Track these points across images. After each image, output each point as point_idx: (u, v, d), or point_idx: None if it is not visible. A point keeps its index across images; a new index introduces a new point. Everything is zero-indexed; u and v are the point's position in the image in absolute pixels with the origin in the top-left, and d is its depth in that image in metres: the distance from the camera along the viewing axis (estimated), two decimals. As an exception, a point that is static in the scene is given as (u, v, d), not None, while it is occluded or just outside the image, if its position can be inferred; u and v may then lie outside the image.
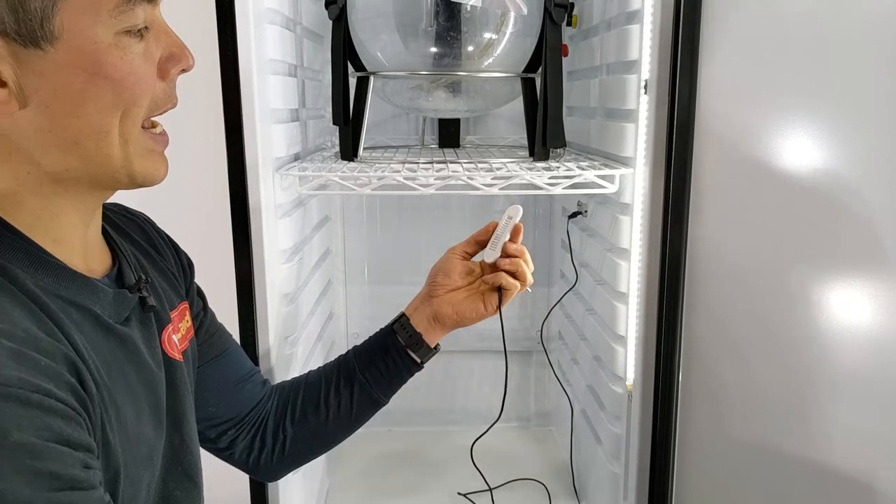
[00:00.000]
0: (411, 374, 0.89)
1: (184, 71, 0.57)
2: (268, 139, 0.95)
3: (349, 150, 1.12)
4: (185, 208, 0.92)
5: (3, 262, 0.49)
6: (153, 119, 0.57)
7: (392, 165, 1.03)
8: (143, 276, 0.63)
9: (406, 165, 1.03)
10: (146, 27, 0.53)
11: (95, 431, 0.49)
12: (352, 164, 1.08)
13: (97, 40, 0.50)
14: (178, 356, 0.67)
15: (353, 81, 1.15)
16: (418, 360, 0.89)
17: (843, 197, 0.87)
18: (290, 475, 0.91)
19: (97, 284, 0.56)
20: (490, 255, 0.91)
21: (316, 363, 1.31)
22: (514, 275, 0.89)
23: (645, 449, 1.01)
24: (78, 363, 0.49)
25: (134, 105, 0.53)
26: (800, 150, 0.87)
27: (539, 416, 1.65)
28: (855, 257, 0.88)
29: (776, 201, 0.90)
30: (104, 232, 0.63)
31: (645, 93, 0.96)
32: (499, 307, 0.89)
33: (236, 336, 0.94)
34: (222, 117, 0.87)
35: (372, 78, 1.13)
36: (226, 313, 0.93)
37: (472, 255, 0.94)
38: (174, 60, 0.55)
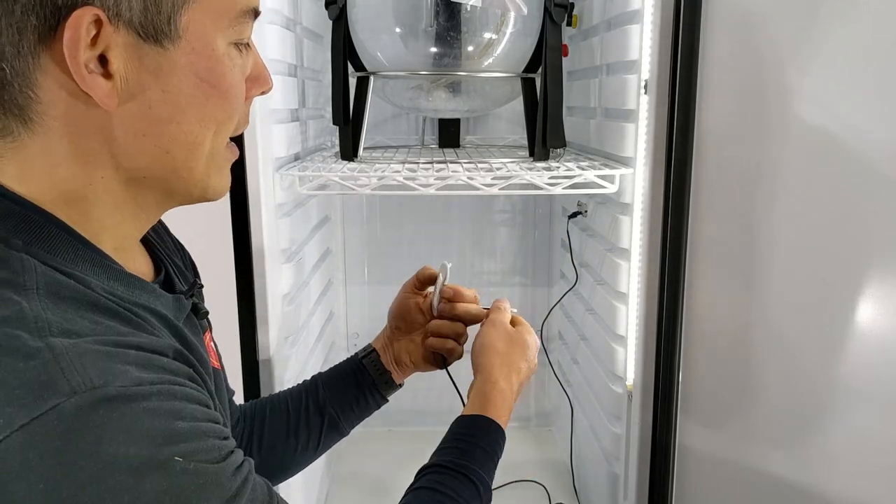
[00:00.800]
0: (377, 408, 0.88)
1: (263, 93, 0.56)
2: (268, 139, 0.95)
3: (349, 150, 1.12)
4: (185, 208, 0.92)
5: (77, 272, 0.46)
6: None
7: (392, 165, 1.03)
8: (197, 281, 0.61)
9: (406, 165, 1.03)
10: (247, 44, 0.52)
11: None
12: (352, 164, 1.08)
13: (215, 47, 0.48)
14: (217, 364, 0.65)
15: (353, 81, 1.15)
16: (386, 397, 0.88)
17: (844, 197, 0.87)
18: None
19: (158, 290, 0.54)
20: (434, 307, 0.89)
21: (316, 363, 1.31)
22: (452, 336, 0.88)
23: (645, 449, 1.01)
24: (187, 355, 0.48)
25: (229, 120, 0.52)
26: (800, 149, 0.87)
27: (539, 416, 1.65)
28: (855, 257, 0.88)
29: (776, 201, 0.90)
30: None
31: (645, 93, 0.96)
32: (444, 367, 0.89)
33: (236, 336, 0.94)
34: (222, 117, 0.87)
35: (372, 78, 1.14)
36: (226, 313, 0.93)
37: (422, 290, 0.92)
38: (259, 82, 0.54)
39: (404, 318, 0.89)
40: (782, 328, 0.92)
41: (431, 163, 1.07)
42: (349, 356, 0.90)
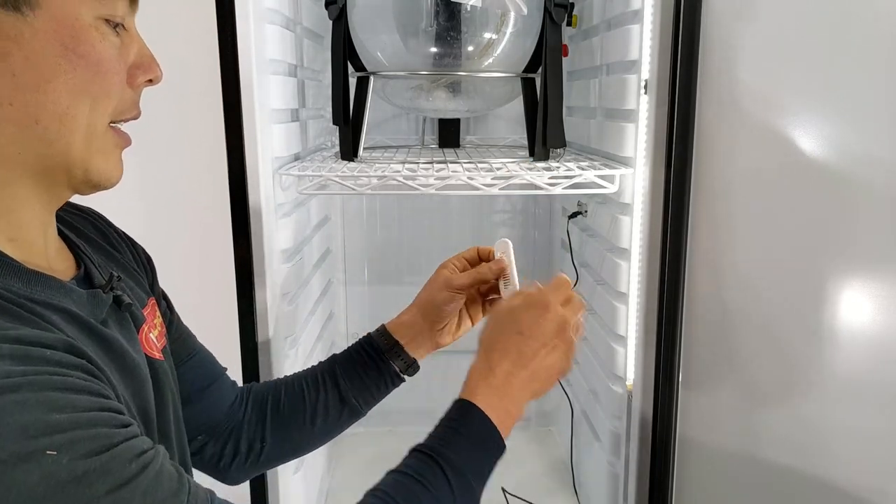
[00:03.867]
0: (395, 387, 0.87)
1: (150, 83, 0.55)
2: (268, 139, 0.95)
3: (349, 150, 1.12)
4: (186, 208, 0.92)
5: None
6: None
7: (392, 165, 1.03)
8: (115, 274, 0.59)
9: (406, 165, 1.03)
10: (122, 26, 0.52)
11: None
12: (352, 164, 1.08)
13: (78, 17, 0.48)
14: (158, 355, 0.64)
15: (353, 81, 1.15)
16: (406, 379, 0.87)
17: (844, 197, 0.87)
18: (290, 475, 0.91)
19: (67, 286, 0.53)
20: (511, 292, 0.85)
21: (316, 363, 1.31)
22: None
23: (645, 448, 1.01)
24: (83, 351, 0.47)
25: (105, 97, 0.51)
26: (800, 149, 0.87)
27: (539, 416, 1.65)
28: (855, 257, 0.88)
29: (776, 201, 0.90)
30: (59, 233, 0.59)
31: (645, 93, 0.96)
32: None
33: (236, 336, 0.94)
34: (222, 117, 0.87)
35: (372, 78, 1.13)
36: (226, 313, 0.93)
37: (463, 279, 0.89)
38: (143, 69, 0.54)
39: (451, 315, 0.87)
40: (782, 328, 0.92)
41: (431, 163, 1.07)
42: (362, 343, 0.88)
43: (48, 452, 0.39)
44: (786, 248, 0.90)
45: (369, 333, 0.88)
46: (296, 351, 1.10)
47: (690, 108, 0.88)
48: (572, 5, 1.23)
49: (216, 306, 0.82)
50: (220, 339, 0.85)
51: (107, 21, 0.50)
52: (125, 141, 0.55)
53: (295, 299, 1.10)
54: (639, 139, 0.98)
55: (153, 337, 0.64)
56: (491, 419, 0.70)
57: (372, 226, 1.55)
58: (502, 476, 1.38)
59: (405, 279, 1.55)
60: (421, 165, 1.04)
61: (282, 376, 0.88)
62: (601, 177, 1.01)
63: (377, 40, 1.12)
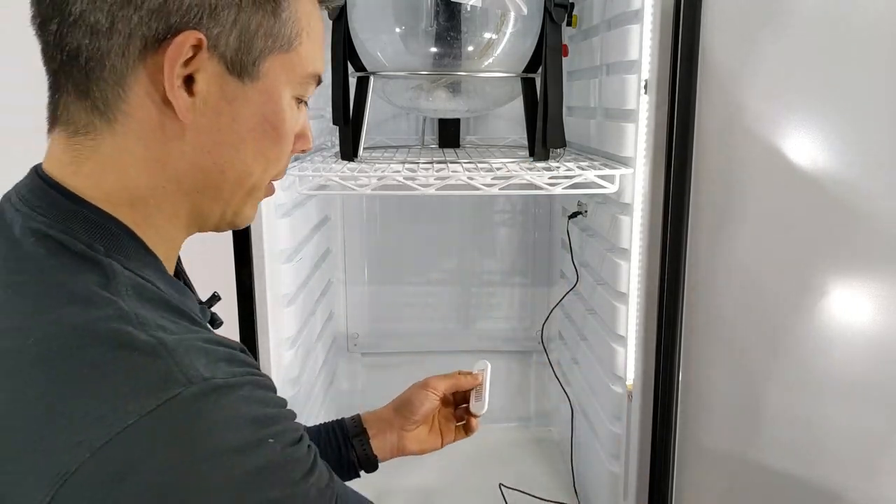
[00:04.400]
0: (348, 479, 0.91)
1: (303, 151, 0.62)
2: (268, 139, 0.94)
3: (349, 150, 1.12)
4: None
5: (149, 279, 0.50)
6: None
7: (392, 165, 1.03)
8: (216, 293, 0.66)
9: (406, 165, 1.03)
10: (305, 102, 0.59)
11: None
12: (352, 164, 1.08)
13: (282, 95, 0.55)
14: None
15: (353, 81, 1.15)
16: (359, 474, 0.91)
17: (844, 197, 0.87)
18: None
19: (194, 297, 0.59)
20: (479, 407, 0.95)
21: (315, 363, 1.31)
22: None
23: (645, 449, 1.01)
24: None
25: (277, 161, 0.58)
26: (801, 149, 0.87)
27: (539, 416, 1.65)
28: (855, 257, 0.88)
29: (776, 201, 0.90)
30: None
31: (645, 93, 0.96)
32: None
33: (236, 336, 0.94)
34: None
35: (372, 78, 1.13)
36: (226, 314, 0.92)
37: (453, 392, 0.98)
38: (303, 140, 0.61)
39: (426, 415, 0.94)
40: (782, 328, 0.92)
41: (431, 163, 1.07)
42: (334, 423, 0.93)
43: (269, 441, 0.45)
44: (786, 248, 0.90)
45: (343, 417, 0.94)
46: (296, 351, 1.10)
47: (690, 108, 0.88)
48: (572, 5, 1.23)
49: (216, 306, 0.82)
50: (220, 339, 0.85)
51: (297, 100, 0.57)
52: (272, 193, 0.62)
53: (295, 299, 1.10)
54: (639, 139, 0.98)
55: None
56: None
57: (372, 226, 1.55)
58: (502, 476, 1.38)
59: (405, 279, 1.55)
60: (421, 165, 1.04)
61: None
62: (601, 177, 1.01)
63: (377, 40, 1.12)
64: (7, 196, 0.53)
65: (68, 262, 0.47)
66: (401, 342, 1.57)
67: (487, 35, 1.10)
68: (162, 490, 0.40)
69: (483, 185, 0.99)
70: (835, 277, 0.89)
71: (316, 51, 0.57)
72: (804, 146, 0.87)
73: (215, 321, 0.63)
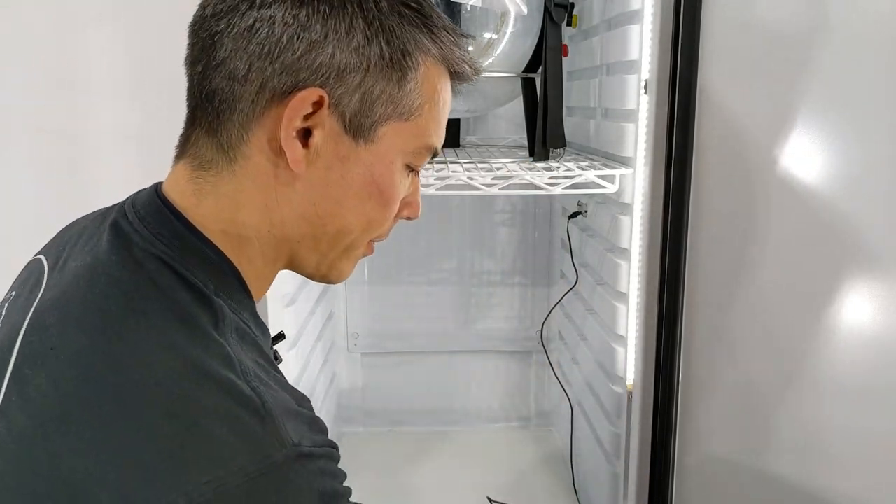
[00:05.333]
0: None
1: (408, 219, 0.63)
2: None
3: (349, 150, 1.12)
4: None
5: (246, 321, 0.52)
6: None
7: (392, 165, 1.03)
8: (282, 333, 0.66)
9: (406, 165, 1.03)
10: (416, 172, 0.60)
11: None
12: (352, 164, 1.08)
13: (394, 161, 0.56)
14: None
15: (353, 81, 1.15)
16: None
17: (843, 197, 0.87)
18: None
19: (273, 348, 0.60)
20: None
21: (316, 363, 1.31)
22: None
23: (645, 449, 1.01)
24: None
25: (379, 224, 0.58)
26: (800, 149, 0.87)
27: (539, 416, 1.65)
28: (855, 257, 0.88)
29: (776, 201, 0.90)
30: None
31: (645, 93, 0.96)
32: None
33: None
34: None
35: (372, 78, 1.13)
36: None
37: None
38: (411, 207, 0.62)
39: None
40: (782, 328, 0.92)
41: (431, 163, 1.07)
42: None
43: None
44: (786, 248, 0.90)
45: None
46: (296, 351, 1.10)
47: (690, 108, 0.88)
48: (572, 5, 1.23)
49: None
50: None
51: (408, 167, 0.58)
52: (370, 253, 0.63)
53: (295, 299, 1.10)
54: (639, 139, 0.98)
55: None
56: None
57: (372, 226, 1.55)
58: (502, 475, 1.38)
59: (405, 279, 1.55)
60: (421, 165, 1.04)
61: None
62: (601, 177, 1.01)
63: (377, 40, 1.11)
64: (122, 208, 0.54)
65: (187, 297, 0.48)
66: (401, 342, 1.57)
67: (487, 35, 1.10)
68: None
69: (483, 185, 0.99)
70: (835, 277, 0.89)
71: (435, 125, 0.57)
72: (804, 146, 0.87)
73: (277, 358, 0.64)
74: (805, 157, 0.87)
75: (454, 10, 1.07)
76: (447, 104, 0.58)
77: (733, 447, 0.97)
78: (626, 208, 1.04)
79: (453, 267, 1.56)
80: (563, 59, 1.11)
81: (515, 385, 1.62)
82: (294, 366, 1.09)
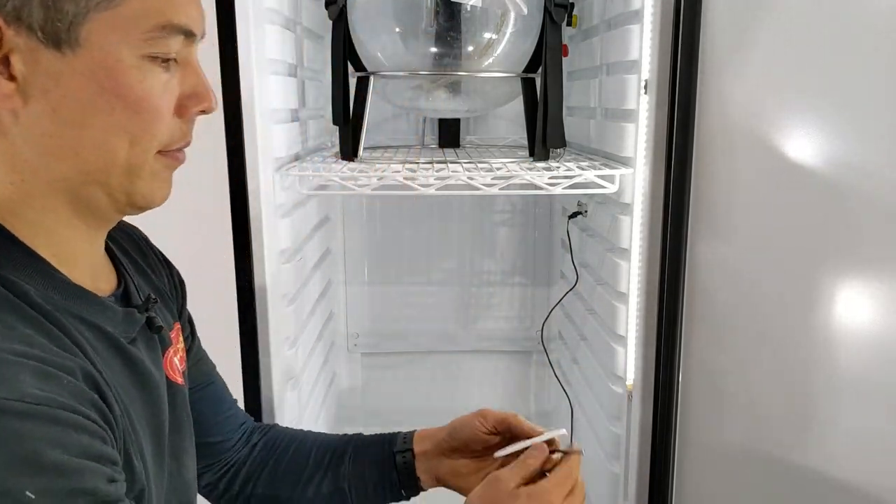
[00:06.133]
0: (390, 498, 0.82)
1: (203, 112, 0.55)
2: (268, 139, 0.95)
3: (349, 150, 1.12)
4: (185, 209, 0.92)
5: (10, 276, 0.48)
6: None
7: (392, 165, 1.03)
8: (152, 296, 0.61)
9: (406, 165, 1.03)
10: (175, 60, 0.52)
11: (119, 449, 0.49)
12: (352, 165, 1.08)
13: (119, 59, 0.49)
14: (180, 379, 0.64)
15: (353, 81, 1.15)
16: (408, 497, 0.82)
17: (844, 196, 0.87)
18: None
19: (105, 303, 0.54)
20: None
21: (316, 363, 1.31)
22: None
23: (645, 449, 1.01)
24: (98, 379, 0.48)
25: (145, 133, 0.51)
26: (801, 149, 0.87)
27: (539, 416, 1.64)
28: (855, 257, 0.88)
29: (776, 201, 0.90)
30: (107, 248, 0.61)
31: (645, 93, 0.96)
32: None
33: (236, 336, 0.94)
34: (222, 117, 0.87)
35: (372, 78, 1.13)
36: (226, 314, 0.93)
37: (497, 433, 0.78)
38: (196, 99, 0.54)
39: (468, 445, 0.78)
40: (783, 328, 0.92)
41: (431, 163, 1.07)
42: (388, 435, 0.82)
43: (27, 493, 0.39)
44: (786, 248, 0.90)
45: (399, 431, 0.83)
46: (296, 351, 1.10)
47: (690, 108, 0.88)
48: (572, 5, 1.23)
49: (216, 306, 0.82)
50: (219, 339, 0.85)
51: (153, 58, 0.50)
52: (174, 162, 0.56)
53: (295, 299, 1.10)
54: (639, 139, 0.98)
55: (177, 361, 0.65)
56: None
57: (372, 226, 1.55)
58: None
59: (405, 279, 1.55)
60: (421, 165, 1.04)
61: (275, 393, 0.87)
62: (601, 177, 1.01)
63: (377, 40, 1.12)
64: None
65: None
66: (401, 342, 1.57)
67: (487, 35, 1.10)
68: None
69: (483, 185, 0.99)
70: (835, 277, 0.89)
71: None
72: (804, 146, 0.87)
73: (152, 325, 0.59)
74: (805, 157, 0.87)
75: (454, 10, 1.07)
76: None
77: (733, 447, 0.97)
78: (626, 208, 1.04)
79: (453, 267, 1.56)
80: (563, 59, 1.11)
81: (515, 385, 1.62)
82: (294, 366, 1.09)
